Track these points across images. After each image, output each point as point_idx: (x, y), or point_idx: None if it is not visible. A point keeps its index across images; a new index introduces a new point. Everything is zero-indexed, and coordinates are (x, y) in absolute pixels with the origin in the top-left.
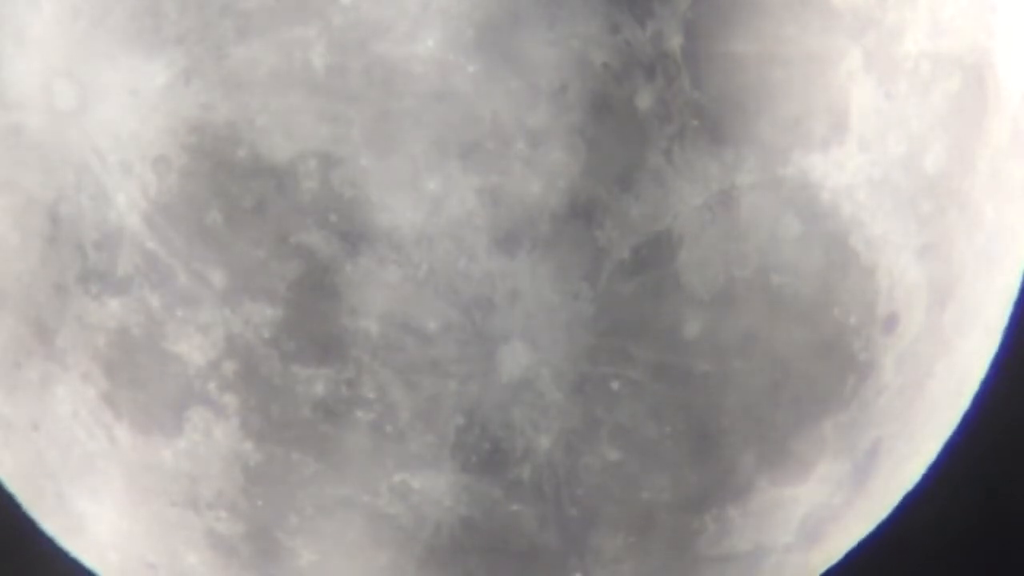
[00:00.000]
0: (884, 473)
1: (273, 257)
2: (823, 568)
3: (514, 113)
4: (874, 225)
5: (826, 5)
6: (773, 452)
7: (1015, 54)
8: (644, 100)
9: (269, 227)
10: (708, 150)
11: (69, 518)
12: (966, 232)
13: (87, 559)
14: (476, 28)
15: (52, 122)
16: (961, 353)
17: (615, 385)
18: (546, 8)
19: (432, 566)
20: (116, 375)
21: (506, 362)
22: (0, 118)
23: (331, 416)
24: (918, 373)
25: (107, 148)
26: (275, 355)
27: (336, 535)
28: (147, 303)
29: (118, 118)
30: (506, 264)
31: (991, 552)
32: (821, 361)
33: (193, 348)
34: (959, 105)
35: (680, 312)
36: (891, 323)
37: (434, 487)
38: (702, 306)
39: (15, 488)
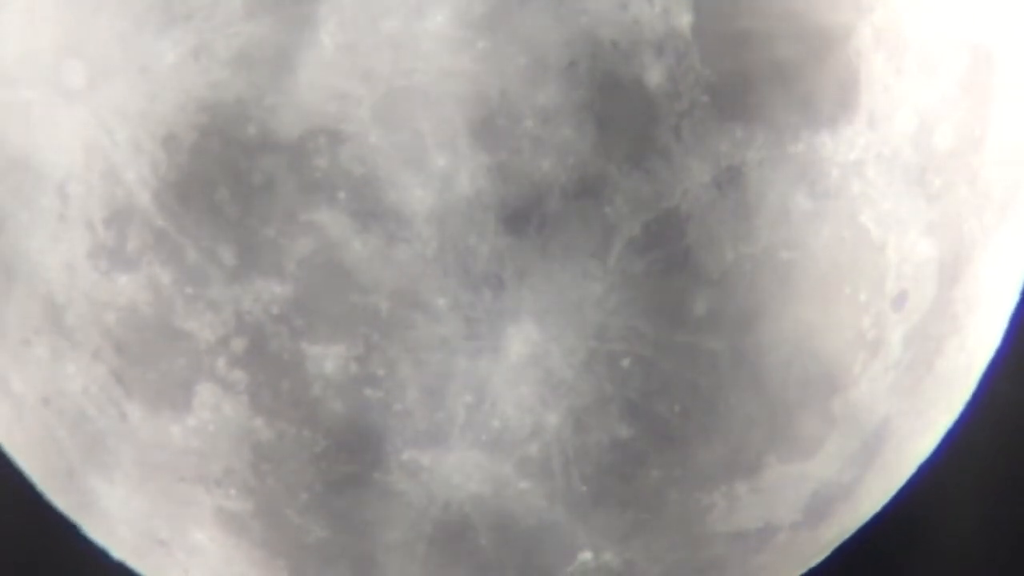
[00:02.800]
0: (893, 450)
1: (282, 234)
2: (832, 545)
3: (523, 90)
4: (883, 202)
5: None
6: (782, 429)
7: None
8: (653, 77)
9: (278, 204)
10: (717, 127)
11: (79, 495)
12: (975, 209)
13: (97, 536)
14: (485, 5)
15: (61, 100)
16: (971, 330)
17: (624, 362)
18: None
19: (441, 543)
20: (126, 352)
21: (515, 339)
22: (9, 96)
23: (340, 393)
24: (927, 350)
25: (116, 126)
26: (284, 332)
27: (345, 512)
28: (156, 280)
29: (127, 96)
30: (515, 241)
31: (1001, 528)
32: (830, 338)
33: (203, 325)
34: (969, 82)
35: (689, 289)
36: (900, 300)
37: (444, 464)
38: (711, 283)
39: (26, 465)
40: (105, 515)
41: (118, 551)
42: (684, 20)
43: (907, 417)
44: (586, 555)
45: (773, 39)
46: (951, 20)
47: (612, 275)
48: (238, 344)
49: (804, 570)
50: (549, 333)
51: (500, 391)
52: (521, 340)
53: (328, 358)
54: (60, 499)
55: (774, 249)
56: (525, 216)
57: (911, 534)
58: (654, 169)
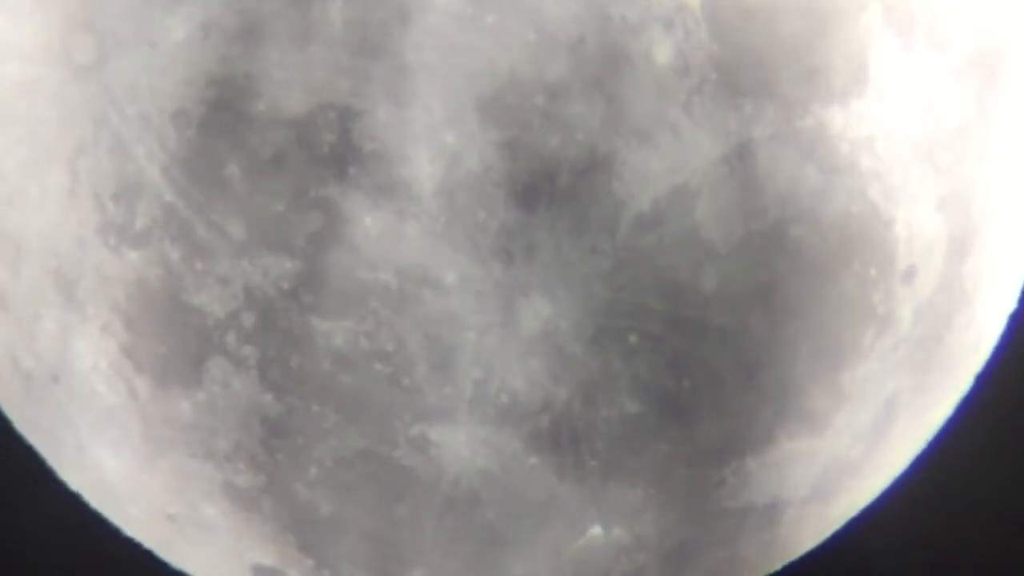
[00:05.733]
0: (902, 426)
1: (292, 210)
2: (842, 521)
3: (532, 66)
4: (893, 177)
5: None
6: (791, 405)
7: None
8: (662, 53)
9: (288, 180)
10: (726, 103)
11: (89, 470)
12: (984, 184)
13: (107, 511)
14: None
15: (71, 75)
16: (979, 305)
17: (633, 338)
18: None
19: (450, 518)
20: (135, 327)
21: (524, 315)
22: (20, 71)
23: (350, 368)
24: (936, 325)
25: (126, 101)
26: (294, 307)
27: (355, 487)
28: (166, 255)
29: (137, 71)
30: (524, 217)
31: (1013, 503)
32: (839, 313)
33: (212, 300)
34: (978, 57)
35: (698, 265)
36: (910, 275)
37: (452, 439)
38: (720, 259)
39: (36, 441)
40: (115, 491)
41: (128, 527)
42: None
43: (916, 392)
44: (596, 530)
45: (783, 14)
46: None
47: (621, 251)
48: (248, 319)
49: (813, 545)
50: (558, 308)
51: (509, 366)
52: (530, 315)
53: (337, 333)
54: (70, 475)
55: (783, 224)
56: (534, 192)
57: (921, 510)
58: (663, 145)
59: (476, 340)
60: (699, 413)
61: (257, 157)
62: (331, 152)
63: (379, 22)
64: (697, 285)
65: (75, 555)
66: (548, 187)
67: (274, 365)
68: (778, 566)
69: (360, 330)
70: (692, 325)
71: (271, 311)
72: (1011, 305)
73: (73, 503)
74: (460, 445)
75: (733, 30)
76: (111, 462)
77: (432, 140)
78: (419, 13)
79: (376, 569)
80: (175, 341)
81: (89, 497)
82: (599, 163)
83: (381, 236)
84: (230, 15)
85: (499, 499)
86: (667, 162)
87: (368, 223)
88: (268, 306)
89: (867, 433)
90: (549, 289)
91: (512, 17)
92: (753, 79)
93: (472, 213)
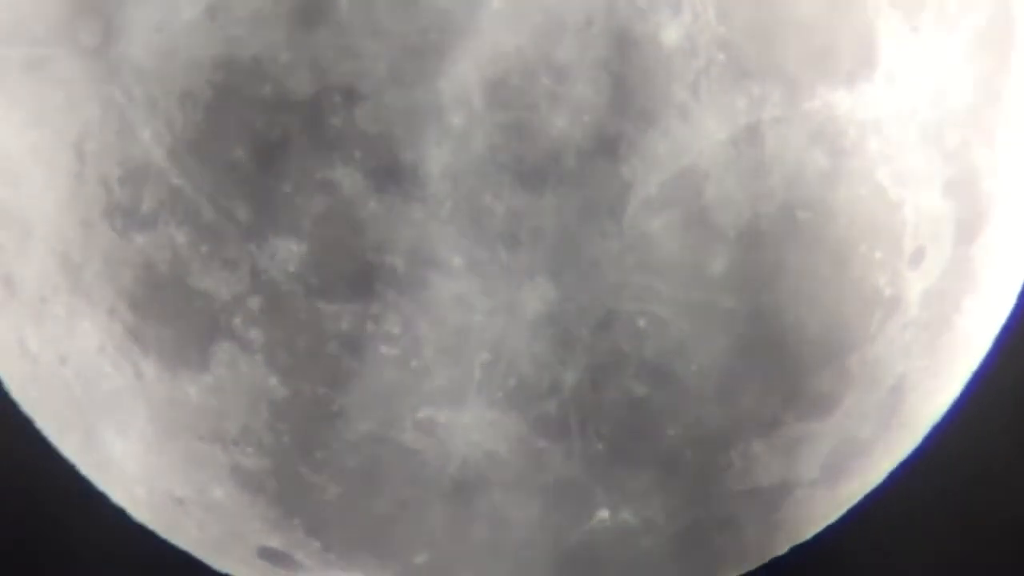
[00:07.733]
0: (910, 408)
1: (298, 193)
2: (850, 503)
3: (539, 48)
4: (900, 160)
5: None
6: (799, 387)
7: None
8: (670, 35)
9: (294, 163)
10: (734, 85)
11: (96, 453)
12: (992, 166)
13: (114, 494)
14: None
15: (77, 58)
16: (987, 288)
17: (641, 321)
18: None
19: (457, 501)
20: (142, 310)
21: (531, 298)
22: (26, 54)
23: (356, 351)
24: (944, 308)
25: (132, 84)
26: (300, 290)
27: (361, 470)
28: (173, 239)
29: (143, 54)
30: (531, 200)
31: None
32: (847, 296)
33: (219, 283)
34: (986, 39)
35: (706, 248)
36: (917, 258)
37: (460, 422)
38: (728, 242)
39: (43, 423)
40: (122, 473)
41: (135, 511)
42: None
43: (924, 374)
44: (603, 513)
45: None
46: None
47: (628, 234)
48: (254, 302)
49: (821, 528)
50: (565, 292)
51: (516, 349)
52: (537, 298)
53: (344, 316)
54: (77, 458)
55: (791, 207)
56: (541, 174)
57: (927, 494)
58: (670, 127)
59: (483, 323)
60: (706, 396)
61: (263, 140)
62: (337, 135)
63: (384, 4)
64: (705, 268)
65: (81, 537)
66: (555, 170)
67: (280, 348)
68: (786, 548)
69: (367, 313)
70: (700, 308)
71: (277, 294)
72: (1019, 288)
73: (80, 485)
74: (467, 428)
75: (740, 12)
76: (118, 445)
77: (438, 122)
78: None
79: (382, 552)
80: (182, 324)
81: (96, 479)
82: (606, 145)
83: (387, 219)
84: None
85: (506, 482)
86: (674, 144)
87: (373, 206)
88: (275, 289)
89: (875, 415)
90: (556, 272)
91: None
92: (760, 61)
93: (478, 196)
